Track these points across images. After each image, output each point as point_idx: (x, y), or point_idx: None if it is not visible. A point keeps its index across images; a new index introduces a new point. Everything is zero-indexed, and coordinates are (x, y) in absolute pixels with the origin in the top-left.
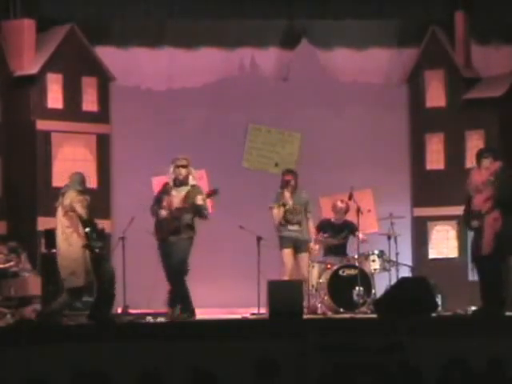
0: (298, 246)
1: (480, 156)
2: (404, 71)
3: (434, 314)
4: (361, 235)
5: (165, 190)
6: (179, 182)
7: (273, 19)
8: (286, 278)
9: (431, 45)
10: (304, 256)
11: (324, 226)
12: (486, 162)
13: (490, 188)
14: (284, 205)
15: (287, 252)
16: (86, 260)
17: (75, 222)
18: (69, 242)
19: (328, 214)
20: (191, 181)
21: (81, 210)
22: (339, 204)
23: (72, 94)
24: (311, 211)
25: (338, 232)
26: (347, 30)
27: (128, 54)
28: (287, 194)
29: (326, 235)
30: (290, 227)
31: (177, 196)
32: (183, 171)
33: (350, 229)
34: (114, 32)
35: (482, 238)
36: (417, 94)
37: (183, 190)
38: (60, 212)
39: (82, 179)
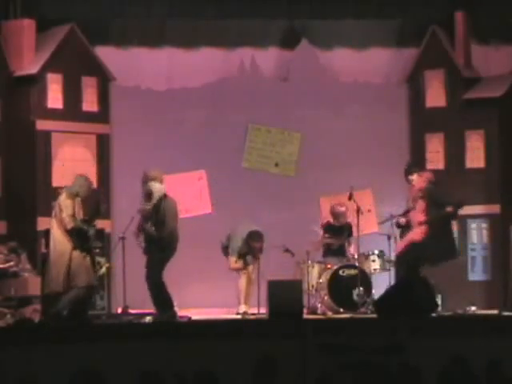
0: None
1: (406, 173)
2: (404, 71)
3: (434, 314)
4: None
5: None
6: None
7: (273, 19)
8: None
9: (431, 45)
10: None
11: (326, 229)
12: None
13: (421, 202)
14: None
15: None
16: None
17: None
18: (57, 244)
19: (328, 214)
20: (154, 198)
21: (65, 215)
22: (339, 208)
23: (72, 93)
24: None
25: (339, 234)
26: (347, 30)
27: (128, 53)
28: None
29: (326, 236)
30: None
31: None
32: (144, 188)
33: (349, 230)
34: (114, 32)
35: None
36: (417, 94)
37: (149, 206)
38: (53, 213)
39: (82, 182)
